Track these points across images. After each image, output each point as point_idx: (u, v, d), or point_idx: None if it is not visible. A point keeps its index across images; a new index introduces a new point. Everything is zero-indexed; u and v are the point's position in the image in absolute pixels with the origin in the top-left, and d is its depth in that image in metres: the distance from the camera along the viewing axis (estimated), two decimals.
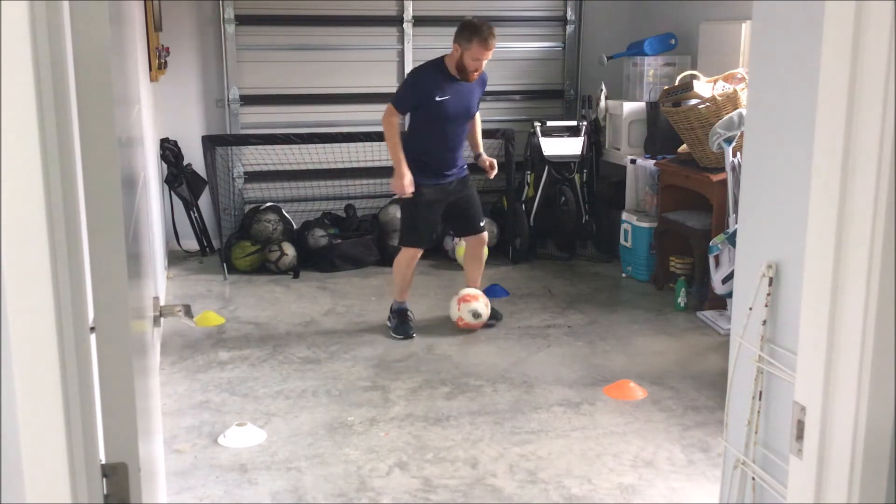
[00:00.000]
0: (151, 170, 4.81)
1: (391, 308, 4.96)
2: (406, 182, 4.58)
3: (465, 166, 4.86)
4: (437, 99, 4.59)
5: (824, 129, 1.25)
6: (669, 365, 4.42)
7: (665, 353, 4.59)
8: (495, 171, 4.89)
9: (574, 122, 6.42)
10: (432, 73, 4.67)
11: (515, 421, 3.75)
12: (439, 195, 4.75)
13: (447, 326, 4.97)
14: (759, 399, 2.02)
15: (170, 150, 6.18)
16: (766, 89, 1.98)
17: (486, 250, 5.08)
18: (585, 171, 6.40)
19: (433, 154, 4.70)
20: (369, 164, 6.83)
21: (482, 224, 4.97)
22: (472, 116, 4.86)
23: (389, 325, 4.90)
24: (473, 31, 4.50)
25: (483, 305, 4.83)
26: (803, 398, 1.33)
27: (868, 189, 1.18)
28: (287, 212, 6.44)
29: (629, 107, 6.15)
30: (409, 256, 4.85)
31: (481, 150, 4.99)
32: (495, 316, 5.00)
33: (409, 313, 4.92)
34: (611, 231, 6.30)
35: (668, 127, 5.54)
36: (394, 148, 4.61)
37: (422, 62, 6.81)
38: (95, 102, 1.11)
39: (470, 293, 4.87)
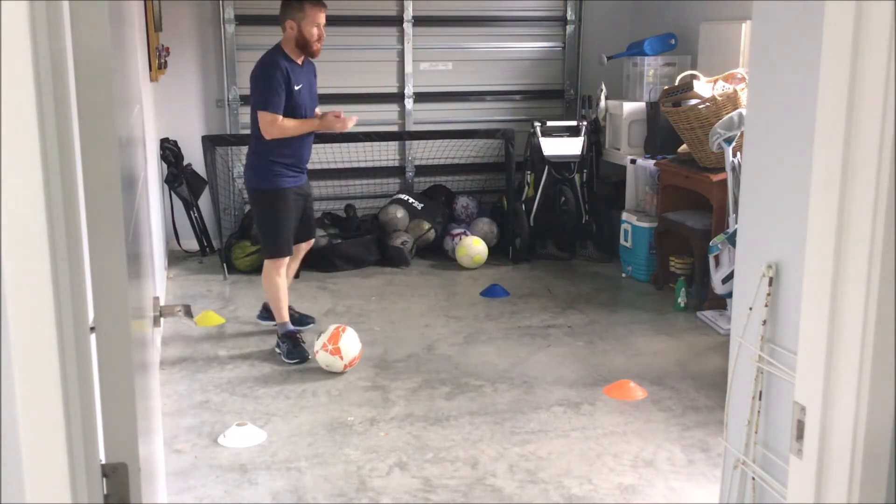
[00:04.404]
0: (151, 170, 4.81)
1: (277, 333, 4.54)
2: (341, 116, 4.35)
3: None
4: (296, 88, 4.30)
5: (824, 128, 1.25)
6: (669, 365, 4.41)
7: (665, 353, 4.59)
8: (347, 121, 4.39)
9: (574, 122, 6.42)
10: (284, 62, 4.28)
11: (515, 421, 3.74)
12: (300, 196, 4.50)
13: (447, 326, 4.97)
14: (759, 399, 2.02)
15: (170, 150, 6.18)
16: (766, 89, 1.98)
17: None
18: (585, 171, 6.40)
19: (296, 149, 4.38)
20: (369, 164, 6.84)
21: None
22: (316, 104, 4.56)
23: (279, 351, 4.46)
24: None
25: (341, 366, 4.22)
26: (803, 398, 1.33)
27: (868, 189, 1.18)
28: None
29: (629, 107, 6.15)
30: (278, 267, 4.47)
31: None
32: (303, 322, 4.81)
33: (298, 335, 4.48)
34: (611, 231, 6.30)
35: (668, 127, 5.54)
36: (298, 125, 4.30)
37: (421, 62, 6.92)
38: (95, 102, 1.11)
39: (356, 358, 4.27)
